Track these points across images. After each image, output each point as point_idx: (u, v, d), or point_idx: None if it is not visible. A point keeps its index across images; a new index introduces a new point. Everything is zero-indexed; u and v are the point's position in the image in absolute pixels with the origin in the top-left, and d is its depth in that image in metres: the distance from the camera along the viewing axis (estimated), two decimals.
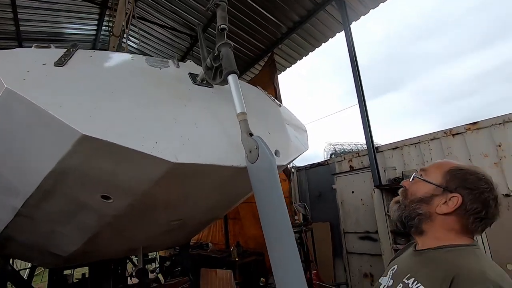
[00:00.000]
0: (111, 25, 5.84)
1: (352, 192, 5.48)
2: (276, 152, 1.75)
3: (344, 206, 5.64)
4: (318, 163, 6.51)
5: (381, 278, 1.09)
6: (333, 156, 8.64)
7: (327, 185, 6.04)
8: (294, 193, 6.91)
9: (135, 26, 4.17)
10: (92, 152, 1.33)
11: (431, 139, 4.27)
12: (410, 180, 1.05)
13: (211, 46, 1.87)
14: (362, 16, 5.81)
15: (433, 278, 0.82)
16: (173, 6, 6.50)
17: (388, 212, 4.06)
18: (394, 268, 1.05)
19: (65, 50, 1.69)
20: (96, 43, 7.69)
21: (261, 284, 6.16)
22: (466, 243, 0.90)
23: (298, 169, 7.04)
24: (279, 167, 1.84)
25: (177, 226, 2.50)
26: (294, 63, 7.60)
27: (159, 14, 6.75)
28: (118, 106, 1.42)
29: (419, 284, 0.84)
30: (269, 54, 7.07)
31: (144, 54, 7.83)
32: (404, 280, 0.91)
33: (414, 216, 0.97)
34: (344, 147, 9.71)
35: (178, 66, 2.03)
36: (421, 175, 1.02)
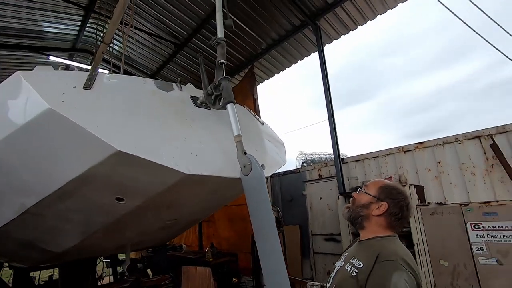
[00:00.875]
0: (99, 29, 5.97)
1: (320, 198, 6.07)
2: (262, 166, 2.18)
3: (313, 211, 6.21)
4: (291, 170, 7.06)
5: (336, 262, 1.56)
6: (304, 164, 9.27)
7: (298, 191, 6.59)
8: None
9: (132, 38, 4.41)
10: (120, 163, 1.67)
11: (387, 154, 4.98)
12: (357, 192, 1.53)
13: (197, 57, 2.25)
14: (334, 40, 6.50)
15: (367, 256, 1.29)
16: (158, 15, 6.75)
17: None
18: (346, 254, 1.52)
19: (88, 73, 1.99)
20: (77, 43, 7.66)
21: (233, 283, 6.49)
22: (389, 234, 1.39)
23: (272, 175, 7.54)
24: None
25: (169, 225, 2.84)
26: (272, 76, 8.14)
27: (145, 21, 6.95)
28: (140, 125, 1.78)
29: (359, 261, 1.31)
30: (249, 67, 7.54)
31: (128, 58, 7.93)
32: (351, 260, 1.37)
33: (358, 216, 1.45)
34: (315, 156, 10.45)
35: (181, 89, 2.40)
36: (364, 189, 1.51)
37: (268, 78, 8.21)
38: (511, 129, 3.80)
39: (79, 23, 7.03)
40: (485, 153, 3.99)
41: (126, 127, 1.69)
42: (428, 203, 4.07)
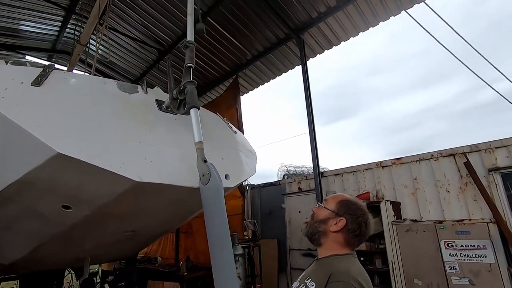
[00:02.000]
0: (77, 29, 5.81)
1: (299, 212, 5.96)
2: (226, 176, 2.06)
3: (291, 225, 6.09)
4: (271, 182, 6.95)
5: (294, 282, 1.45)
6: (285, 177, 9.19)
7: (277, 204, 6.47)
8: (247, 209, 7.21)
9: (106, 36, 4.28)
10: (63, 167, 1.52)
11: (366, 169, 4.96)
12: (317, 206, 1.44)
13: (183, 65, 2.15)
14: (318, 54, 6.57)
15: (320, 276, 1.19)
16: (144, 21, 6.67)
17: None
18: (303, 274, 1.41)
19: (41, 69, 1.85)
20: (57, 44, 7.44)
21: None
22: (345, 252, 1.29)
23: (253, 187, 7.40)
24: (228, 189, 2.15)
25: (129, 237, 2.64)
26: (256, 87, 8.11)
27: (130, 27, 6.85)
28: (90, 128, 1.64)
29: (312, 281, 1.20)
30: (234, 76, 7.50)
31: (111, 62, 7.76)
32: (305, 281, 1.27)
33: (316, 232, 1.35)
34: (296, 169, 10.41)
35: (146, 92, 2.28)
36: (323, 203, 1.41)
37: (253, 89, 8.18)
38: (484, 148, 3.85)
39: (60, 23, 6.84)
40: (459, 170, 4.02)
41: (72, 129, 1.55)
42: (404, 219, 4.03)
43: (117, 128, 1.76)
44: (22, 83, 1.68)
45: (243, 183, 6.34)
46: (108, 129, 1.70)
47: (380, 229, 4.03)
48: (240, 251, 4.97)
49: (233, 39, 6.66)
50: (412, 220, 3.87)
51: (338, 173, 5.39)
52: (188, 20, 2.33)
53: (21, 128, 1.43)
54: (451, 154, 4.12)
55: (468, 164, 3.90)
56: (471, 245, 3.27)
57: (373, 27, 5.73)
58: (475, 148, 3.94)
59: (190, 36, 2.23)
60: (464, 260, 3.27)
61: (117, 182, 1.57)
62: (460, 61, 4.49)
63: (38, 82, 1.73)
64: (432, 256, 3.50)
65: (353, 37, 6.04)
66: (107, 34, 3.95)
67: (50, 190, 1.69)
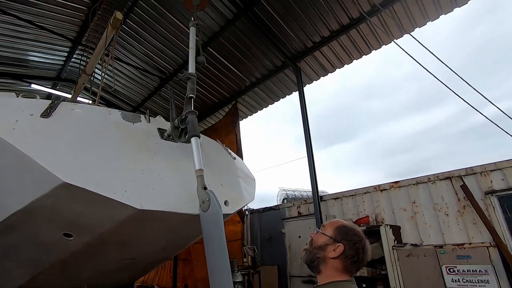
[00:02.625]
0: (83, 59, 6.04)
1: (299, 236, 5.88)
2: (226, 203, 2.10)
3: (291, 250, 5.98)
4: (271, 207, 6.91)
5: None
6: (285, 201, 9.14)
7: (277, 228, 6.40)
8: (246, 235, 7.10)
9: (112, 66, 4.47)
10: (67, 196, 1.57)
11: (364, 193, 4.98)
12: (315, 232, 1.47)
13: (183, 92, 2.25)
14: (314, 81, 6.81)
15: None
16: (146, 50, 6.97)
17: None
18: None
19: (50, 102, 1.95)
20: (62, 73, 7.70)
21: None
22: (344, 279, 1.31)
23: (252, 211, 7.34)
24: (227, 215, 2.18)
25: (128, 265, 2.62)
26: (255, 112, 8.31)
27: (132, 56, 7.14)
28: (95, 157, 1.71)
29: None
30: (233, 102, 7.70)
31: (114, 90, 8.00)
32: None
33: (315, 259, 1.38)
34: (296, 193, 10.38)
35: (149, 121, 2.37)
36: (321, 229, 1.45)
37: (252, 114, 8.37)
38: (479, 171, 3.91)
39: (66, 54, 7.13)
40: (456, 194, 4.04)
41: (78, 158, 1.62)
42: (404, 244, 4.00)
43: (120, 157, 1.82)
44: (32, 115, 1.77)
45: (243, 207, 6.31)
46: (112, 158, 1.77)
47: (381, 254, 3.98)
48: (239, 279, 4.85)
49: (232, 67, 6.94)
50: (412, 245, 3.84)
51: (337, 197, 5.40)
52: (190, 53, 2.48)
53: (30, 158, 1.49)
54: (448, 177, 4.17)
55: (464, 187, 3.94)
56: (472, 270, 3.22)
57: (366, 55, 6.01)
58: (471, 171, 4.00)
59: (191, 68, 2.37)
60: (467, 286, 3.21)
61: (119, 210, 1.61)
62: (447, 87, 4.60)
63: (47, 113, 1.82)
64: (435, 282, 3.44)
65: (347, 64, 6.31)
66: (113, 64, 4.12)
67: (53, 219, 1.73)
